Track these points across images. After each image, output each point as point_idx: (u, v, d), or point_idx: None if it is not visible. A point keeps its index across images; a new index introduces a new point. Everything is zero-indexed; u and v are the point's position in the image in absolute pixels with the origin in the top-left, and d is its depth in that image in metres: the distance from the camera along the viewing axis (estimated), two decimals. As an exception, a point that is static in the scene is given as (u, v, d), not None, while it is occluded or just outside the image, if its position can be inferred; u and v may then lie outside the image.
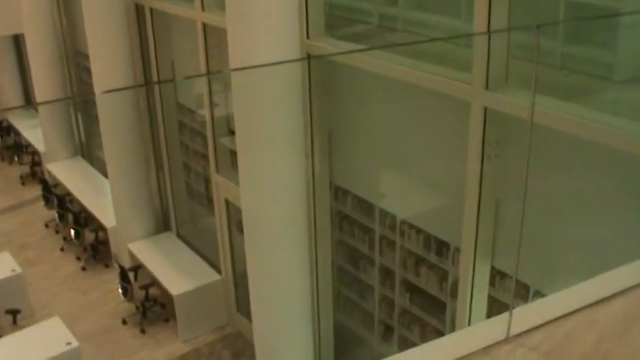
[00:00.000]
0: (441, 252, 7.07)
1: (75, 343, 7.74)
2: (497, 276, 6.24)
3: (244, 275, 8.97)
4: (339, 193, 7.69)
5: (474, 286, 5.12)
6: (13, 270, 9.40)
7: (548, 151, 4.31)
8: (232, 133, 8.81)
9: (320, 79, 5.99)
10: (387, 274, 7.99)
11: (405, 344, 8.05)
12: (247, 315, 9.04)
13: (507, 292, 6.22)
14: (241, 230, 9.33)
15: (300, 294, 6.73)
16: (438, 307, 7.45)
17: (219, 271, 9.31)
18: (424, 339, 7.72)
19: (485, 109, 4.42)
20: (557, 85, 4.38)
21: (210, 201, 10.23)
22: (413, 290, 7.70)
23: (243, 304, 9.21)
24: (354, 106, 6.12)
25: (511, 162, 4.60)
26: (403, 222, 7.45)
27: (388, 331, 8.29)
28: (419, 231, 7.29)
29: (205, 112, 8.29)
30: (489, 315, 5.46)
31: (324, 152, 6.30)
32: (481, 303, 5.26)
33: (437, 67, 4.78)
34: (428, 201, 5.97)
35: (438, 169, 5.45)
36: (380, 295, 8.22)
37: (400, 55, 5.19)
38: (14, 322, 8.72)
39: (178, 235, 10.30)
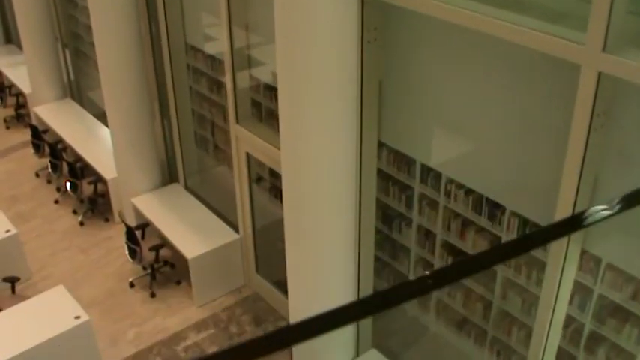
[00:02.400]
0: (493, 215, 6.61)
1: (85, 317, 7.19)
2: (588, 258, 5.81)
3: (263, 234, 8.48)
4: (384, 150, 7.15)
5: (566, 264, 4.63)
6: (8, 230, 8.79)
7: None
8: (255, 81, 8.16)
9: (374, 23, 5.30)
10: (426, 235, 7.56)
11: (444, 309, 7.70)
12: (267, 276, 8.59)
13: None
14: (263, 186, 8.79)
15: (344, 261, 6.21)
16: (485, 274, 7.04)
17: (234, 229, 8.77)
18: (467, 306, 7.37)
19: (600, 74, 3.82)
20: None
21: (223, 152, 9.64)
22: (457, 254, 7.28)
23: (262, 265, 8.74)
24: (407, 56, 5.47)
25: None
26: (450, 181, 6.94)
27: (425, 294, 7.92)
28: (469, 192, 6.80)
29: (224, 57, 7.57)
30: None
31: (374, 106, 5.67)
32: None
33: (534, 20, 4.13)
34: (489, 164, 5.40)
35: (507, 131, 4.87)
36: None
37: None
38: (13, 291, 8.15)
39: (187, 188, 9.69)
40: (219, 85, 9.05)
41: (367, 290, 6.56)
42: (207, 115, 9.59)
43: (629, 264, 4.48)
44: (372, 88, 5.51)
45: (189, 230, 8.70)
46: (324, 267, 6.18)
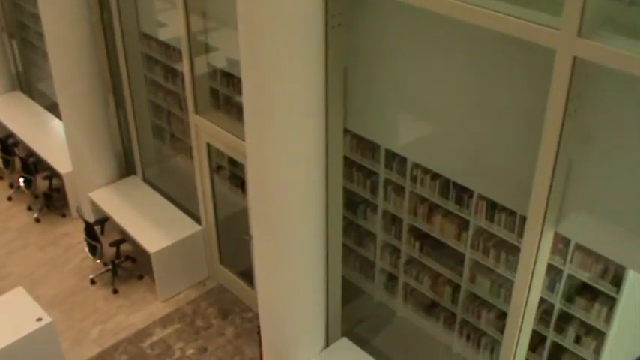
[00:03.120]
0: (461, 199, 6.60)
1: (47, 318, 6.99)
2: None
3: (226, 224, 8.36)
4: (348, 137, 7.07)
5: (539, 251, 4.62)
6: (-39, 230, 8.52)
7: None
8: (214, 70, 8.00)
9: (338, 8, 5.19)
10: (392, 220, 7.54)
11: (412, 294, 7.70)
12: (231, 267, 8.49)
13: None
14: (223, 176, 8.65)
15: (313, 249, 6.13)
16: (454, 257, 7.05)
17: (196, 220, 8.61)
18: (435, 290, 7.37)
19: (575, 58, 3.78)
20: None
21: (181, 142, 9.46)
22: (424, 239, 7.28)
23: (226, 256, 8.62)
24: (372, 41, 5.38)
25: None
26: (416, 166, 6.91)
27: (392, 280, 7.92)
28: (435, 176, 6.77)
29: (181, 44, 7.38)
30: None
31: (339, 93, 5.57)
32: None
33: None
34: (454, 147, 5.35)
35: (474, 115, 4.82)
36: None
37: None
38: (-30, 293, 7.90)
39: (145, 180, 9.49)
40: (174, 74, 8.85)
41: (336, 278, 6.50)
42: (164, 105, 9.39)
43: (598, 244, 4.48)
44: (337, 74, 5.41)
45: (150, 223, 8.52)
46: (293, 256, 6.09)
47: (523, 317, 4.88)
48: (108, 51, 8.89)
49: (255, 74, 5.22)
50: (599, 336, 6.03)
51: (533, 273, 4.68)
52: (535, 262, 4.63)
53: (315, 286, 6.36)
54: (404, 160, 6.98)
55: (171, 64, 8.80)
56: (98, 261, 8.75)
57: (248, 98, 5.38)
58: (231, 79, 7.95)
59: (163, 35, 8.51)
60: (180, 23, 7.12)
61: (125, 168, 9.61)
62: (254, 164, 5.73)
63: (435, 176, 6.76)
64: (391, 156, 7.11)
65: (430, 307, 7.60)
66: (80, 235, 9.08)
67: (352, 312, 7.84)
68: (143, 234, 8.36)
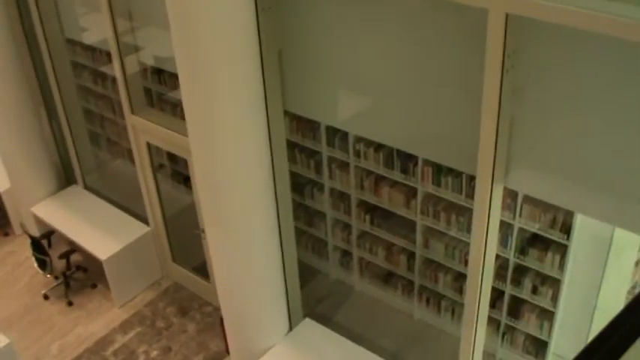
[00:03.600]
0: (406, 168, 6.69)
1: (4, 340, 6.82)
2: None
3: (174, 221, 8.29)
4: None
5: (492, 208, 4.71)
6: None
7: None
8: (144, 68, 7.89)
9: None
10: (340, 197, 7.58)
11: (367, 267, 7.78)
12: (184, 264, 8.43)
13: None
14: (165, 174, 8.56)
15: (266, 235, 6.12)
16: (406, 226, 7.14)
17: (144, 221, 8.50)
18: (390, 260, 7.45)
19: (507, 15, 3.85)
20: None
21: (118, 145, 9.32)
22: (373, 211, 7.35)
23: (178, 253, 8.55)
24: (303, 18, 5.38)
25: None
26: (358, 140, 6.96)
27: (346, 256, 7.98)
28: (379, 148, 6.84)
29: (110, 46, 7.24)
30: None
31: (275, 75, 5.55)
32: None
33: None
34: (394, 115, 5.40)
35: (411, 81, 4.86)
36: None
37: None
38: None
39: (86, 188, 9.31)
40: (104, 77, 8.70)
41: (292, 260, 6.51)
42: (96, 110, 9.23)
43: (546, 193, 4.59)
44: (272, 57, 5.40)
45: (97, 231, 8.37)
46: (247, 244, 6.08)
47: (482, 275, 4.98)
48: (33, 60, 8.67)
49: (191, 65, 5.16)
50: (555, 284, 6.21)
51: (488, 230, 4.77)
52: (488, 219, 4.72)
53: (272, 271, 6.36)
54: (345, 136, 7.02)
55: (99, 68, 8.64)
56: (49, 275, 8.57)
57: (187, 91, 5.32)
58: (162, 76, 7.85)
59: (89, 39, 8.34)
60: (107, 24, 6.99)
61: (65, 178, 9.40)
62: (199, 157, 5.68)
63: (379, 148, 6.83)
64: (332, 133, 7.14)
65: (387, 278, 7.69)
66: (26, 251, 8.87)
67: (311, 293, 7.87)
68: (92, 242, 8.21)
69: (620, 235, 5.95)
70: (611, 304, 6.77)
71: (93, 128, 9.49)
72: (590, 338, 5.26)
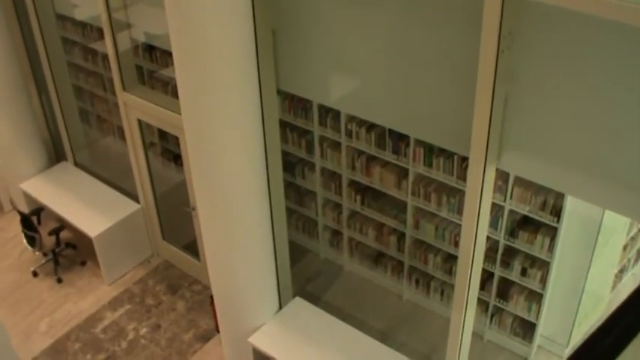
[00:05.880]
0: (398, 148, 6.68)
1: (-8, 316, 6.81)
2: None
3: (164, 199, 8.26)
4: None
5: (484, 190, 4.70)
6: None
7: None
8: (136, 45, 7.82)
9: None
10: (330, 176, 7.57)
11: (357, 247, 7.79)
12: (175, 242, 8.41)
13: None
14: (155, 152, 8.52)
15: (257, 214, 6.09)
16: (396, 206, 7.14)
17: (134, 199, 8.46)
18: (380, 240, 7.46)
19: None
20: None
21: (108, 122, 9.26)
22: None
23: (168, 231, 8.52)
24: (299, 0, 5.33)
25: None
26: (350, 119, 6.94)
27: (336, 236, 7.99)
28: (371, 127, 6.83)
29: (102, 21, 7.16)
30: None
31: (269, 55, 5.51)
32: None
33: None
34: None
35: (405, 60, 4.83)
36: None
37: None
38: None
39: (76, 165, 9.25)
40: (94, 54, 8.62)
41: (282, 239, 6.50)
42: (87, 87, 9.15)
43: (538, 175, 4.59)
44: (266, 36, 5.35)
45: (87, 208, 8.33)
46: (238, 222, 6.05)
47: (473, 256, 4.98)
48: (23, 36, 8.57)
49: (185, 43, 5.11)
50: (544, 266, 6.23)
51: (479, 212, 4.76)
52: (480, 201, 4.70)
53: (262, 250, 6.34)
54: (337, 115, 7.00)
55: (90, 45, 8.56)
56: (38, 252, 8.53)
57: (180, 69, 5.27)
58: (154, 53, 7.79)
59: (80, 15, 8.25)
60: (99, 0, 6.91)
61: (55, 154, 9.34)
62: (191, 134, 5.64)
63: (371, 128, 6.82)
64: (324, 113, 7.12)
65: (377, 258, 7.71)
66: (16, 228, 8.82)
67: (301, 272, 7.89)
68: (82, 219, 8.17)
69: (610, 218, 5.97)
70: (599, 288, 6.81)
71: (83, 105, 9.42)
72: (577, 321, 5.27)
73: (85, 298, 8.17)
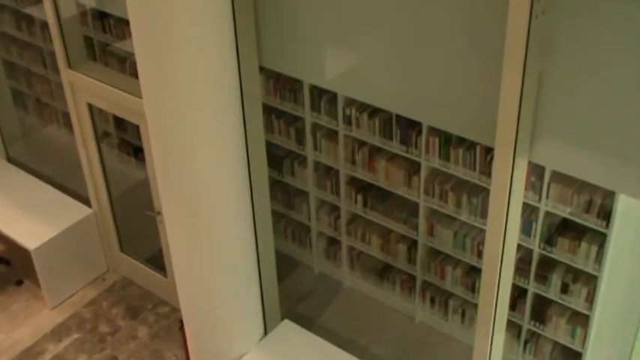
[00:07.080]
0: (407, 138, 6.72)
1: None
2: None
3: (122, 202, 8.30)
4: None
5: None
6: None
7: None
8: (83, 12, 7.84)
9: None
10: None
11: (359, 259, 7.84)
12: (136, 254, 8.46)
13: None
14: (110, 144, 8.55)
15: (237, 220, 6.15)
16: (406, 208, 7.19)
17: (85, 202, 8.50)
18: (387, 250, 7.50)
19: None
20: None
21: (50, 107, 9.28)
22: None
23: (127, 242, 8.57)
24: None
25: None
26: (348, 103, 6.97)
27: (333, 245, 8.03)
28: (373, 113, 6.86)
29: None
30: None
31: (249, 24, 5.55)
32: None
33: None
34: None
35: (419, 34, 4.89)
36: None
37: None
38: None
39: (10, 160, 9.29)
40: (30, 22, 8.62)
41: (268, 250, 6.56)
42: (21, 63, 9.17)
43: (581, 170, 4.64)
44: (245, 1, 5.40)
45: (25, 214, 8.35)
46: (214, 230, 6.09)
47: (501, 269, 5.03)
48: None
49: (146, 8, 5.13)
50: (591, 281, 6.25)
51: (508, 214, 4.80)
52: (509, 201, 4.75)
53: (244, 263, 6.39)
54: (333, 98, 7.03)
55: (24, 10, 8.55)
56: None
57: (140, 41, 5.30)
58: (108, 22, 7.81)
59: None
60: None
61: (-18, 149, 9.38)
62: (155, 122, 5.67)
63: (374, 113, 6.85)
64: (317, 95, 7.15)
65: (383, 272, 7.76)
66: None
67: (290, 289, 7.93)
68: (18, 228, 8.18)
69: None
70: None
71: (17, 86, 9.43)
72: (636, 349, 5.27)
73: (21, 326, 8.19)
